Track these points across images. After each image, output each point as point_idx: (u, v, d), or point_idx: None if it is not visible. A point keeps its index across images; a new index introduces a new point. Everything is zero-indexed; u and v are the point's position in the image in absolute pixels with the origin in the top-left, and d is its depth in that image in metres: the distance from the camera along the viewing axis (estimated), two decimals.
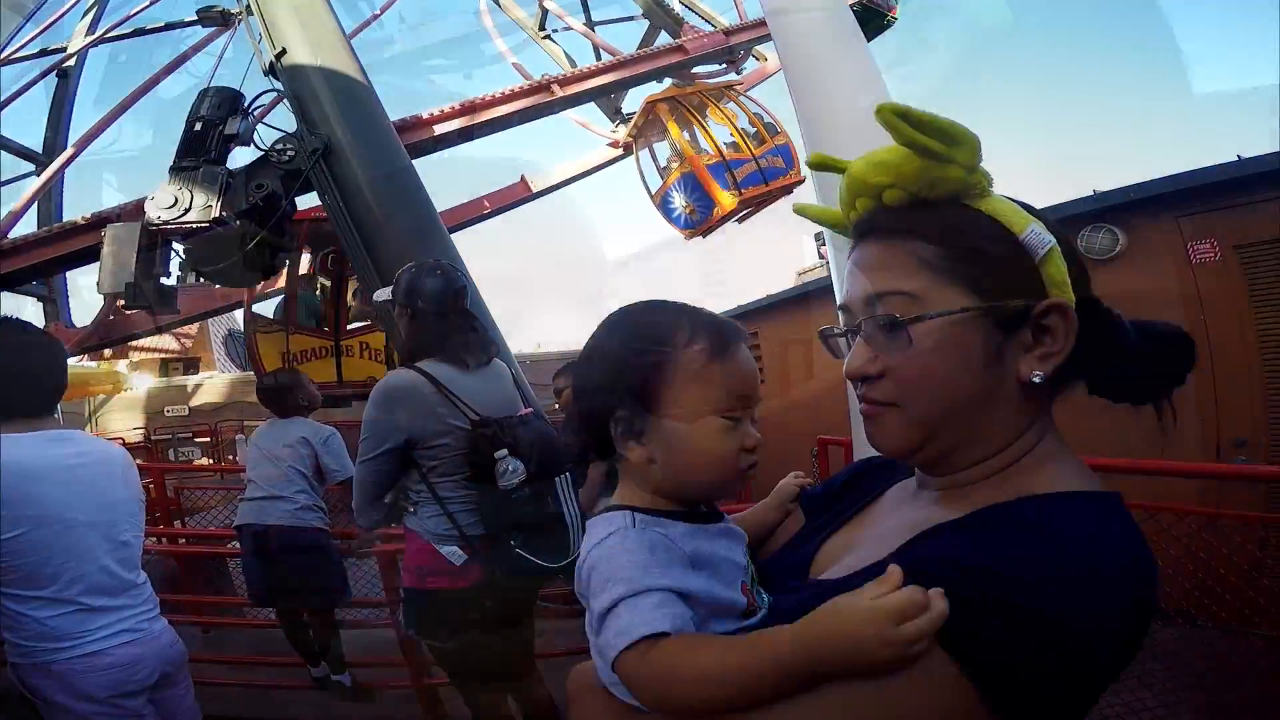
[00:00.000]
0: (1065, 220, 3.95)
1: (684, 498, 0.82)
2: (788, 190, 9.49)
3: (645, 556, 0.72)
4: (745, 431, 0.80)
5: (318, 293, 7.81)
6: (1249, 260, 4.37)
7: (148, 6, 8.79)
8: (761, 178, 9.20)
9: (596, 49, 10.23)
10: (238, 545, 3.84)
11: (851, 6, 9.24)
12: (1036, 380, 0.71)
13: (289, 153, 4.47)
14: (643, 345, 0.80)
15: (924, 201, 0.75)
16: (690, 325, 0.81)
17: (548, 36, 10.53)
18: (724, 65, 9.84)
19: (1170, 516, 3.09)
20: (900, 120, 0.69)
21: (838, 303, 0.84)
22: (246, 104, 4.50)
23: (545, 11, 10.49)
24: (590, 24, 10.75)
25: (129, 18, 8.84)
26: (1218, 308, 4.44)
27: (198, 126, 4.39)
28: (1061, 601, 0.58)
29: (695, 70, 9.65)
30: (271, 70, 4.69)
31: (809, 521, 1.00)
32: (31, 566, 1.73)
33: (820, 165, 0.86)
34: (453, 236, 5.44)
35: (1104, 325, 0.75)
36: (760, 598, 0.83)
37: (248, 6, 4.95)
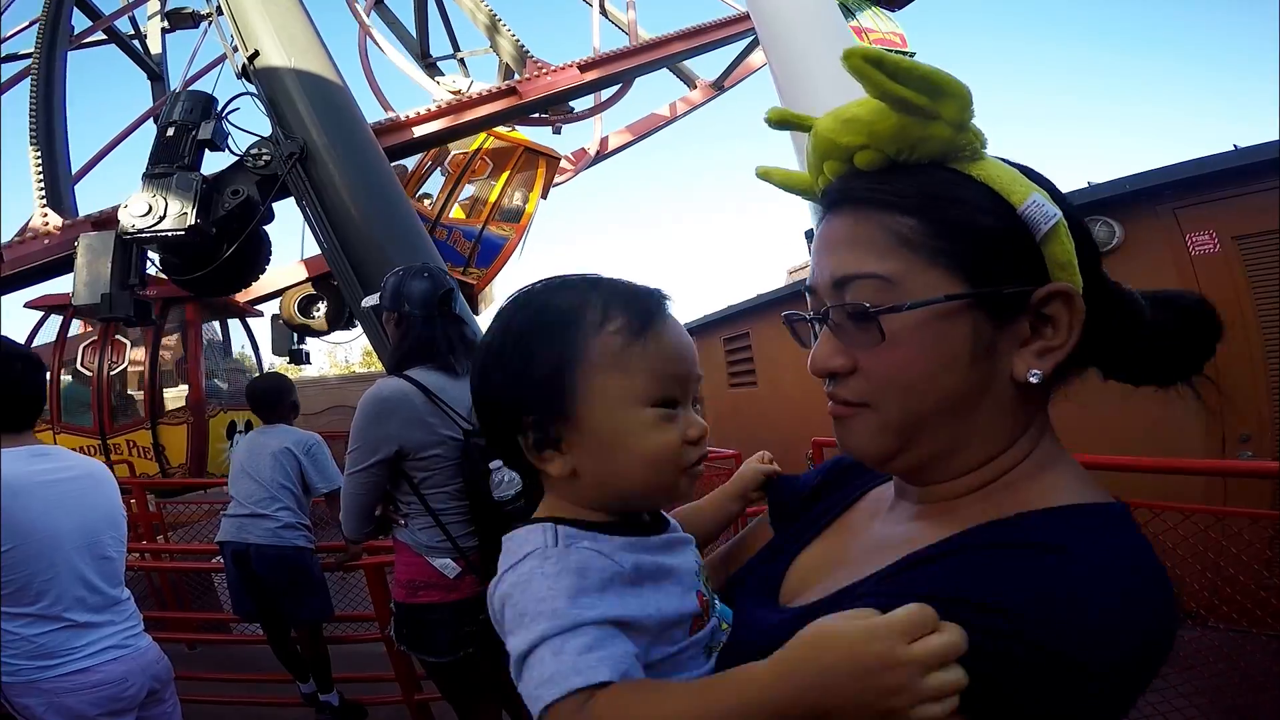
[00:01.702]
0: None
1: (620, 509, 0.71)
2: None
3: (572, 581, 0.61)
4: (686, 420, 0.70)
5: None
6: (1250, 251, 4.37)
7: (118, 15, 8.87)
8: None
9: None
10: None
11: None
12: (1034, 380, 0.63)
13: (265, 157, 4.52)
14: (545, 335, 0.69)
15: (903, 165, 0.65)
16: (601, 302, 0.70)
17: (431, 64, 10.79)
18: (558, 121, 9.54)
19: (1176, 515, 3.11)
20: (874, 68, 0.59)
21: (805, 282, 0.74)
22: (220, 108, 4.54)
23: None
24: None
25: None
26: (1218, 300, 4.15)
27: (170, 132, 4.44)
28: (1084, 639, 0.50)
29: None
30: (244, 73, 4.74)
31: (778, 533, 0.90)
32: (17, 583, 1.76)
33: (781, 122, 0.75)
34: None
35: (1114, 306, 0.68)
36: (714, 605, 0.75)
37: (218, 7, 5.01)
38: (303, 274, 8.44)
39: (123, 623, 1.97)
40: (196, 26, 5.87)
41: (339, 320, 8.38)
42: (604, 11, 10.06)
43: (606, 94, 9.64)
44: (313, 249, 6.40)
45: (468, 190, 9.56)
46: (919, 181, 0.64)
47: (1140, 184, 4.65)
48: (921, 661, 0.46)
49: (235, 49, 4.88)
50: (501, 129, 8.86)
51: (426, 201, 9.20)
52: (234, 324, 9.26)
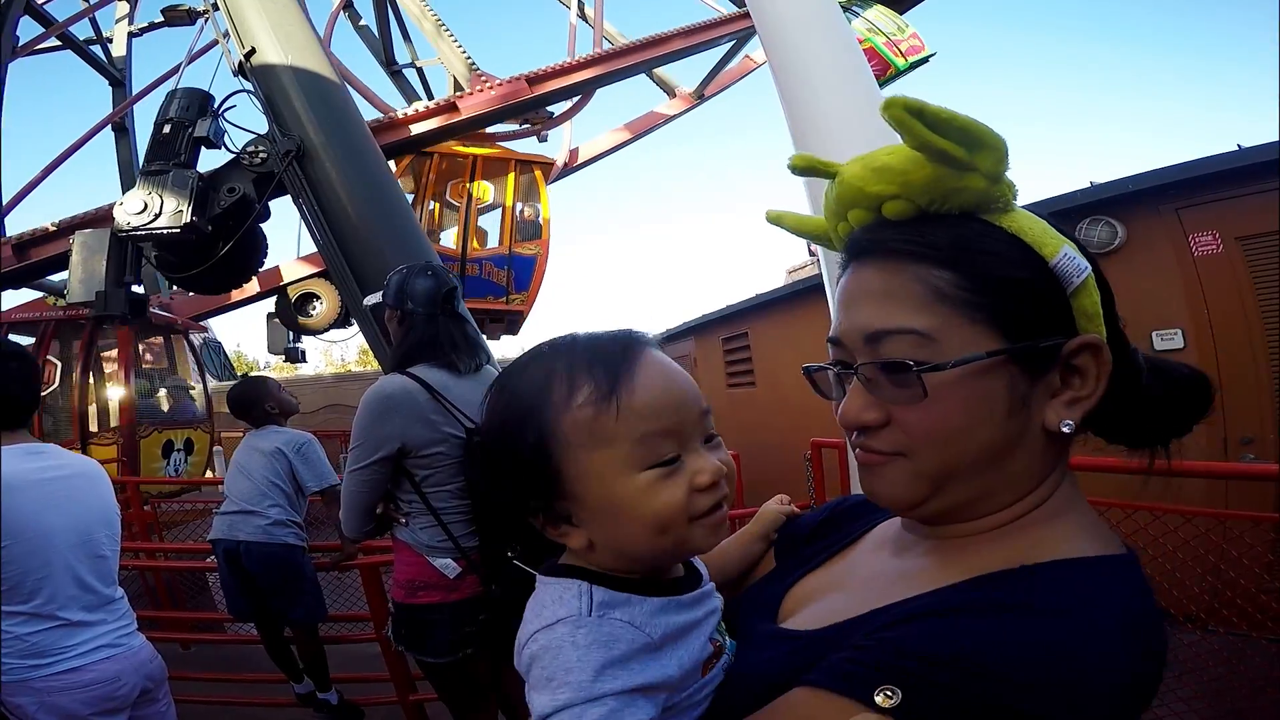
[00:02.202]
0: (1061, 213, 4.00)
1: (645, 571, 0.71)
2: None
3: (600, 655, 0.62)
4: (693, 468, 0.67)
5: None
6: (1253, 251, 4.37)
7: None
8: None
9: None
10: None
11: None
12: (1066, 430, 0.63)
13: (261, 155, 4.53)
14: (522, 422, 0.68)
15: (932, 215, 0.66)
16: (565, 372, 0.68)
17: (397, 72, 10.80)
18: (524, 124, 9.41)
19: (1177, 518, 3.13)
20: (914, 118, 0.59)
21: (829, 334, 0.73)
22: (216, 105, 4.55)
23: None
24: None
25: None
26: (1221, 301, 4.43)
27: (166, 129, 4.45)
28: (1047, 699, 0.52)
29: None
30: (241, 70, 4.75)
31: (779, 563, 0.92)
32: (10, 581, 1.77)
33: (806, 169, 0.75)
34: None
35: (1124, 365, 0.68)
36: (726, 644, 0.75)
37: (215, 4, 5.02)
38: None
39: (115, 622, 1.98)
40: (193, 23, 5.86)
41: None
42: (583, 14, 10.06)
43: (563, 106, 9.44)
44: (309, 247, 6.41)
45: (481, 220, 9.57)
46: (952, 234, 0.64)
47: (1143, 184, 4.65)
48: None
49: (231, 45, 4.88)
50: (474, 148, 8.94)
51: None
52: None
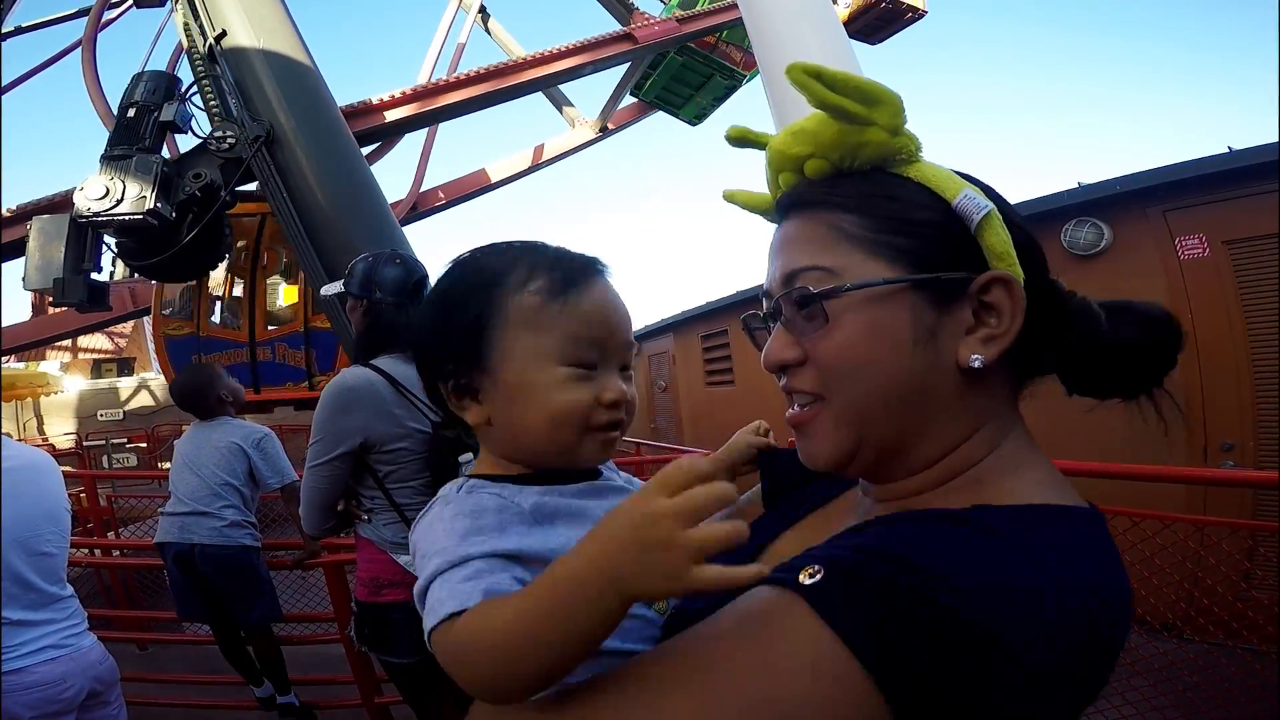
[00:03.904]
0: (1048, 214, 4.04)
1: (531, 463, 0.76)
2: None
3: (465, 523, 0.67)
4: (603, 383, 0.75)
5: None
6: (1239, 256, 4.40)
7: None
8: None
9: None
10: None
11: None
12: (976, 365, 0.66)
13: (229, 140, 4.52)
14: (470, 291, 0.76)
15: (848, 171, 0.72)
16: (529, 263, 0.76)
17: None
18: None
19: (1156, 524, 3.18)
20: (813, 80, 0.66)
21: (762, 287, 0.78)
22: (183, 89, 4.55)
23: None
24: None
25: None
26: (1206, 305, 4.47)
27: (130, 112, 4.43)
28: (996, 613, 0.51)
29: None
30: (211, 53, 4.74)
31: (768, 510, 0.94)
32: None
33: (741, 140, 0.81)
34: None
35: (1066, 310, 0.72)
36: None
37: None
38: None
39: (63, 621, 1.97)
40: (163, 5, 5.82)
41: None
42: (487, 30, 10.13)
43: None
44: None
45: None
46: (860, 184, 0.71)
47: (1130, 185, 4.69)
48: (679, 512, 0.48)
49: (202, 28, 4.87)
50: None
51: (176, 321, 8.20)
52: None
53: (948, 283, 0.67)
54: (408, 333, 0.77)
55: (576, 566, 0.53)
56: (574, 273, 0.76)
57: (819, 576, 0.54)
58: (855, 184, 0.71)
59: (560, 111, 11.07)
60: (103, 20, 7.52)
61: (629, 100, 11.60)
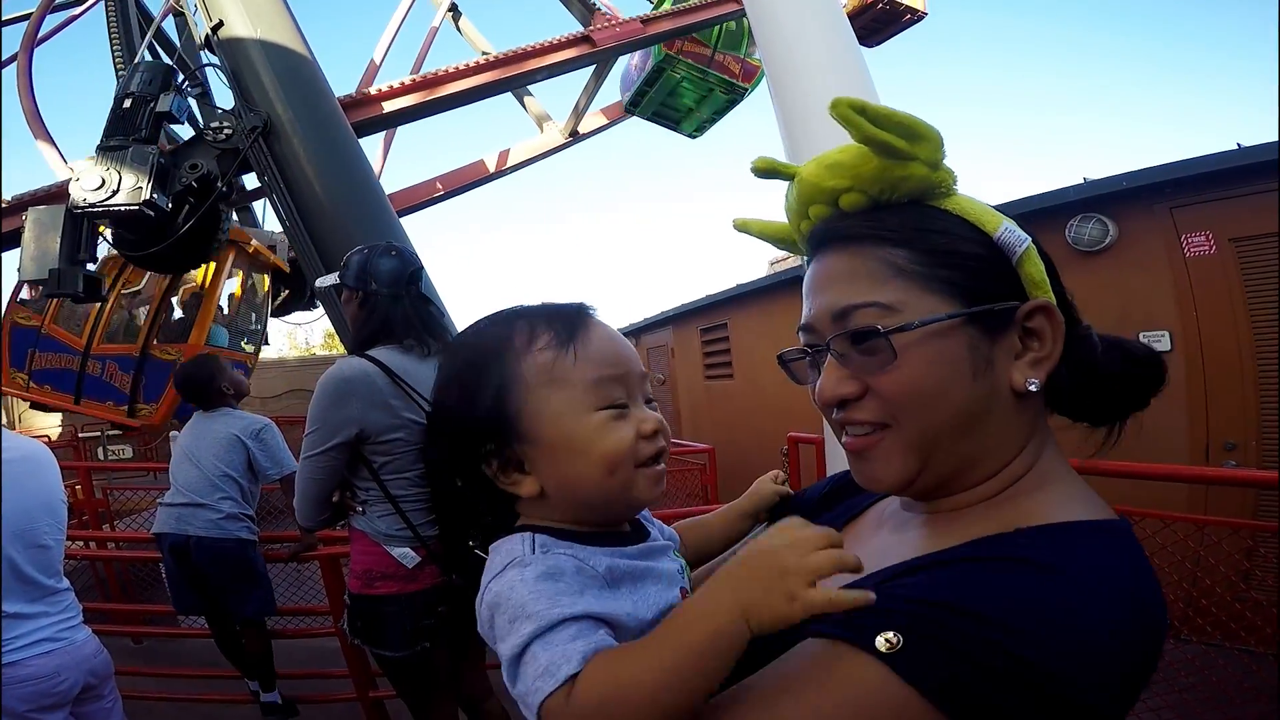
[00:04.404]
0: (1053, 209, 4.02)
1: (594, 520, 0.77)
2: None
3: (550, 585, 0.67)
4: (637, 417, 0.76)
5: None
6: (1246, 254, 4.39)
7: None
8: None
9: None
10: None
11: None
12: (1033, 389, 0.70)
13: (226, 131, 4.53)
14: (482, 368, 0.77)
15: (885, 204, 0.74)
16: (525, 324, 0.78)
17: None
18: None
19: (1156, 523, 3.17)
20: (858, 115, 0.68)
21: (800, 322, 0.80)
22: (180, 79, 4.55)
23: None
24: None
25: None
26: (1211, 304, 4.48)
27: (127, 103, 4.42)
28: (1050, 649, 0.54)
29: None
30: (208, 43, 4.75)
31: None
32: None
33: (768, 172, 0.82)
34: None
35: (1075, 336, 0.75)
36: None
37: None
38: None
39: (58, 614, 1.98)
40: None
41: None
42: (458, 27, 10.00)
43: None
44: (274, 226, 6.32)
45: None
46: (904, 217, 0.73)
47: (1137, 181, 4.67)
48: (794, 544, 0.59)
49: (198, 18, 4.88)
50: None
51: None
52: None
53: (999, 313, 0.71)
54: (432, 435, 0.74)
55: (707, 606, 0.60)
56: (570, 320, 0.78)
57: (898, 644, 0.57)
58: (899, 217, 0.73)
59: (525, 109, 10.93)
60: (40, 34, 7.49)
61: (611, 101, 11.44)
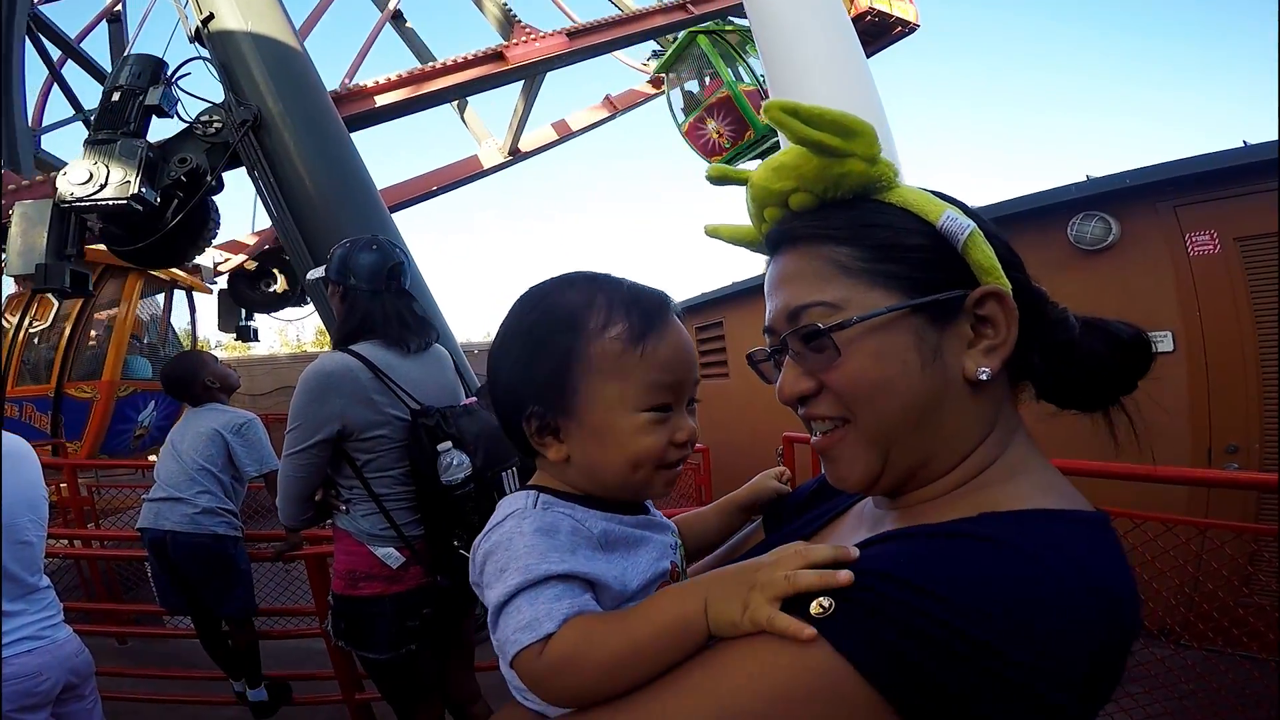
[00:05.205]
0: (1055, 207, 4.00)
1: (600, 494, 0.81)
2: None
3: (544, 540, 0.72)
4: (676, 424, 0.80)
5: None
6: (1251, 254, 4.37)
7: None
8: None
9: None
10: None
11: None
12: (984, 377, 0.71)
13: (215, 124, 4.54)
14: (550, 335, 0.79)
15: (833, 202, 0.76)
16: (605, 305, 0.79)
17: None
18: None
19: (1158, 527, 3.14)
20: (790, 117, 0.70)
21: (764, 325, 0.83)
22: (169, 73, 4.56)
23: None
24: None
25: None
26: (1215, 304, 4.46)
27: (116, 96, 4.44)
28: (998, 627, 0.54)
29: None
30: (198, 36, 4.76)
31: (767, 537, 1.00)
32: None
33: (721, 179, 0.87)
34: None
35: (1047, 319, 0.77)
36: (684, 569, 0.86)
37: None
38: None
39: (39, 612, 1.98)
40: None
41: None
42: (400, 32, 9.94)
43: None
44: (264, 222, 6.31)
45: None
46: (848, 214, 0.75)
47: (1140, 179, 4.65)
48: (776, 562, 0.62)
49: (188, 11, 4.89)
50: None
51: None
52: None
53: (945, 302, 0.72)
54: (491, 376, 0.78)
55: (682, 592, 0.66)
56: (650, 315, 0.80)
57: (829, 609, 0.59)
58: (845, 215, 0.75)
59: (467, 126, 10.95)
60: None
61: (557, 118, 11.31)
